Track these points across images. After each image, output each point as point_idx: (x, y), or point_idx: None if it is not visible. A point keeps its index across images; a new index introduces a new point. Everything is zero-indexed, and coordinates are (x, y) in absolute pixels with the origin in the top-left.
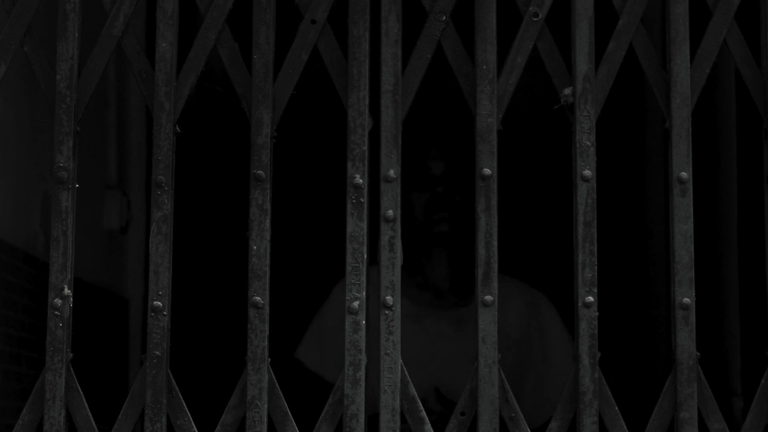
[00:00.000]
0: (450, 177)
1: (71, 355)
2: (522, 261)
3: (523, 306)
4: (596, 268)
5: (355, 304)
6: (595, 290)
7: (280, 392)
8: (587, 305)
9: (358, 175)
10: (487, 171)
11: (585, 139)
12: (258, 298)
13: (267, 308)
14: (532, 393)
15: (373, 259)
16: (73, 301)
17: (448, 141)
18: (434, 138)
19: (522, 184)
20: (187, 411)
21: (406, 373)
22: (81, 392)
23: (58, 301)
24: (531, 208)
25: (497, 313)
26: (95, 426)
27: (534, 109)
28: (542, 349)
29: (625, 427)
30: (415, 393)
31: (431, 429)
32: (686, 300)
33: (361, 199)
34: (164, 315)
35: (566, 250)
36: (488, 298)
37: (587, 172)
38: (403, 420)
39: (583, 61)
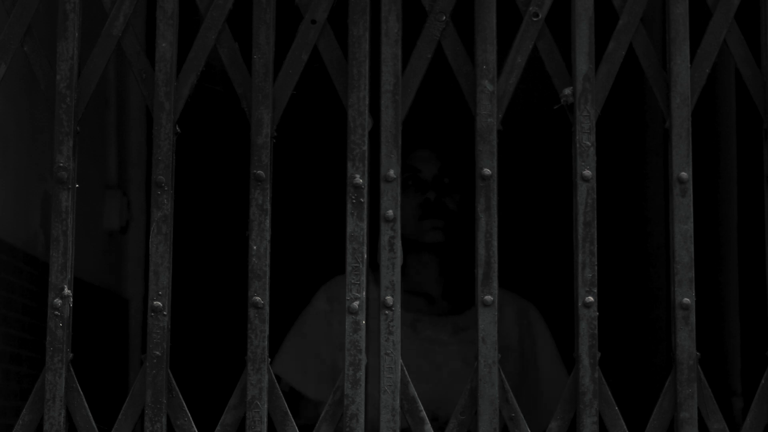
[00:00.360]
0: (442, 182)
1: (71, 355)
2: (520, 262)
3: (515, 314)
4: (596, 268)
5: (355, 304)
6: (595, 290)
7: (281, 392)
8: (587, 305)
9: (358, 175)
10: (487, 171)
11: (585, 139)
12: (258, 298)
13: (267, 308)
14: (527, 402)
15: (372, 260)
16: (73, 301)
17: (442, 143)
18: (426, 139)
19: (522, 185)
20: (187, 411)
21: (406, 373)
22: (81, 392)
23: (58, 301)
24: (531, 209)
25: (496, 313)
26: (95, 426)
27: (534, 109)
28: (533, 358)
29: (625, 427)
30: (415, 393)
31: (431, 429)
32: (686, 300)
33: (361, 199)
34: (164, 315)
35: (566, 250)
36: (488, 298)
37: (587, 172)
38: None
39: (583, 61)
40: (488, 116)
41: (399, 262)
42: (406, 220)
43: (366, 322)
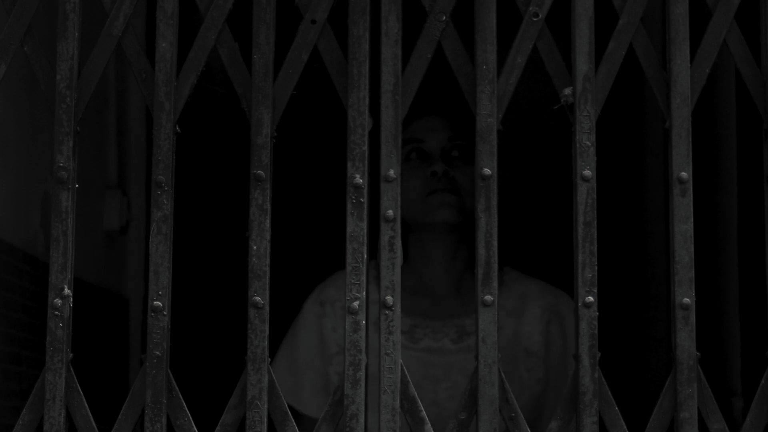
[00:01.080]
0: (450, 155)
1: (71, 355)
2: (519, 262)
3: (541, 311)
4: (596, 268)
5: (355, 304)
6: (595, 290)
7: (280, 392)
8: (587, 305)
9: (358, 175)
10: (487, 171)
11: (585, 139)
12: (258, 298)
13: (267, 308)
14: (552, 410)
15: (372, 257)
16: (73, 301)
17: (450, 108)
18: (432, 104)
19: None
20: (187, 411)
21: (406, 373)
22: (81, 392)
23: (58, 301)
24: (531, 208)
25: (496, 313)
26: (95, 426)
27: (534, 109)
28: (564, 359)
29: (625, 427)
30: (415, 393)
31: (431, 429)
32: (686, 300)
33: (361, 199)
34: (164, 315)
35: (567, 249)
36: (488, 298)
37: (587, 172)
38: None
39: (583, 61)
40: (488, 116)
41: (399, 262)
42: (410, 202)
43: (366, 322)
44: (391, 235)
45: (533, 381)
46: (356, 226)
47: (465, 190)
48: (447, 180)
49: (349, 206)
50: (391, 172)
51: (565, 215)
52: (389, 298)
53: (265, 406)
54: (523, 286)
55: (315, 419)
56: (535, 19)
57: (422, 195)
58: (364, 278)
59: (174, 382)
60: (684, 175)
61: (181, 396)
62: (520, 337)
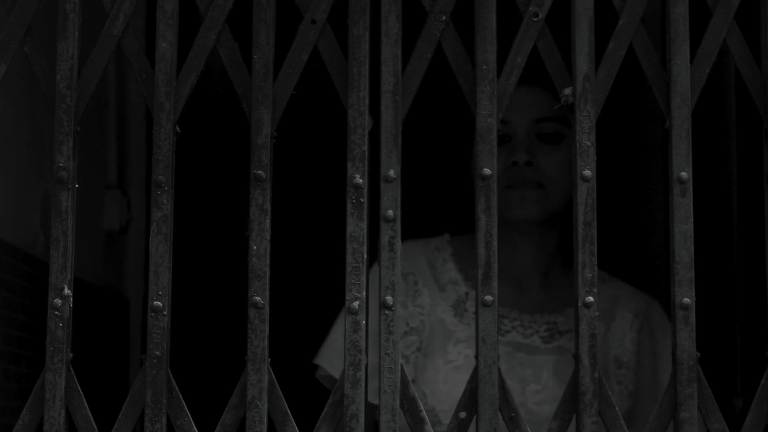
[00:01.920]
0: (542, 133)
1: (71, 355)
2: None
3: (632, 316)
4: (596, 268)
5: (355, 304)
6: (595, 290)
7: (280, 392)
8: (587, 305)
9: (358, 175)
10: (487, 171)
11: (585, 139)
12: (258, 298)
13: (267, 308)
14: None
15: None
16: (73, 301)
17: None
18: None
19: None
20: (187, 411)
21: (406, 373)
22: (81, 392)
23: (58, 301)
24: None
25: (496, 312)
26: (95, 426)
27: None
28: (655, 371)
29: (625, 427)
30: (415, 393)
31: (431, 429)
32: (686, 300)
33: (361, 199)
34: (164, 315)
35: (568, 250)
36: (488, 298)
37: (587, 172)
38: None
39: (583, 61)
40: (488, 116)
41: (399, 262)
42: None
43: (366, 322)
44: (391, 235)
45: (625, 395)
46: (356, 226)
47: (551, 179)
48: (530, 170)
49: (349, 206)
50: (391, 172)
51: (565, 215)
52: (389, 298)
53: (265, 406)
54: (613, 288)
55: (373, 405)
56: (535, 19)
57: (501, 186)
58: (364, 278)
59: (174, 382)
60: (684, 175)
61: (181, 396)
62: (610, 344)
